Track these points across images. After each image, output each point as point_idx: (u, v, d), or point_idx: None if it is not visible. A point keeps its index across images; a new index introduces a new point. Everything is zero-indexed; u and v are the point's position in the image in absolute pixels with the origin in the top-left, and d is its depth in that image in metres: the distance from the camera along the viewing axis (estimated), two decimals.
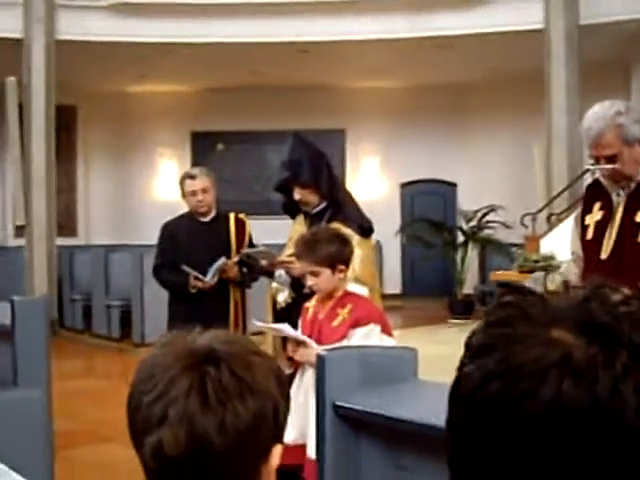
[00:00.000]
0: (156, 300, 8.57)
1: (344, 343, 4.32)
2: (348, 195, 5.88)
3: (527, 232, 13.41)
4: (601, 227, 4.08)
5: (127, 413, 1.35)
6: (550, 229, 12.10)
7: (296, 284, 5.27)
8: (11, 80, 13.75)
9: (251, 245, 6.41)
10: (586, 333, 0.88)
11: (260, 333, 5.28)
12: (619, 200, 4.06)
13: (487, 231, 16.57)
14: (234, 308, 6.31)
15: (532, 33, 13.51)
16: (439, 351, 11.31)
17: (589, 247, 4.13)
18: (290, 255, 5.28)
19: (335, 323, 4.47)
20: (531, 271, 9.47)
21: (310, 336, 4.53)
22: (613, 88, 13.77)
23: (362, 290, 4.87)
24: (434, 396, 2.61)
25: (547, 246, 10.64)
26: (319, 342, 4.43)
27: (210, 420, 1.27)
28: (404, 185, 19.15)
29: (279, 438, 1.38)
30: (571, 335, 0.88)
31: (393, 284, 18.28)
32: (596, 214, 4.13)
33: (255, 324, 4.94)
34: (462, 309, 15.97)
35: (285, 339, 4.67)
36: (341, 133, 18.73)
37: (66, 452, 6.72)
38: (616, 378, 0.85)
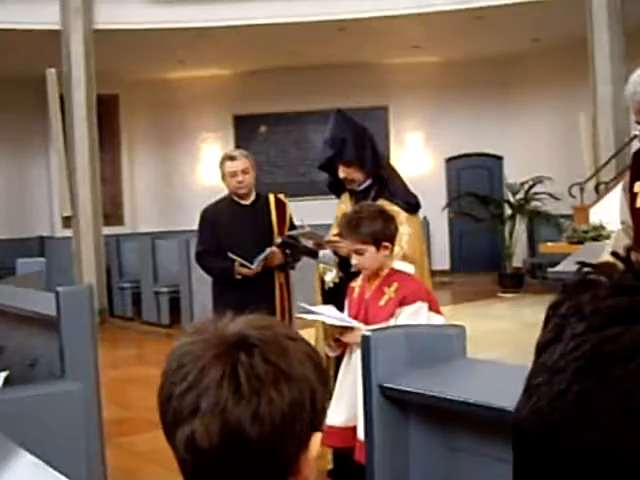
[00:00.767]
0: (204, 285, 8.56)
1: (391, 322, 4.27)
2: (394, 171, 5.81)
3: (575, 203, 13.24)
4: None
5: (158, 404, 1.30)
6: (598, 199, 11.95)
7: (344, 263, 5.22)
8: (51, 71, 13.81)
9: (292, 226, 6.36)
10: None
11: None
12: None
13: (535, 203, 16.42)
14: (279, 291, 6.27)
15: (573, 0, 13.29)
16: (491, 326, 11.26)
17: (639, 215, 4.02)
18: (336, 234, 5.23)
19: (382, 302, 4.43)
20: (580, 242, 9.35)
21: (357, 316, 4.49)
22: None
23: (409, 268, 4.81)
24: (483, 375, 2.54)
25: (596, 216, 10.51)
26: (366, 322, 4.38)
27: (244, 410, 1.22)
28: (449, 160, 19.01)
29: (318, 426, 1.32)
30: None
31: (441, 260, 18.17)
32: None
33: (299, 308, 4.89)
34: (512, 283, 15.85)
35: None
36: (384, 110, 18.63)
37: (119, 439, 6.78)
38: None
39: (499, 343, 9.42)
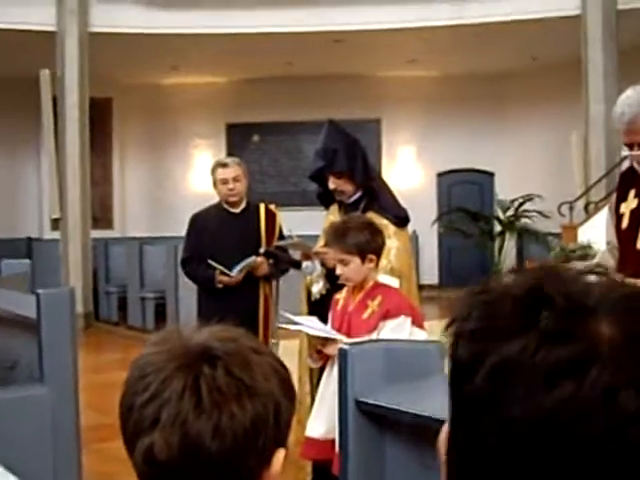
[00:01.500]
0: (190, 292, 8.53)
1: (374, 336, 4.24)
2: (384, 184, 5.80)
3: (564, 221, 13.24)
4: (637, 215, 3.96)
5: (119, 414, 1.27)
6: (588, 218, 11.94)
7: (331, 275, 5.20)
8: (45, 73, 13.77)
9: (281, 236, 6.34)
10: None
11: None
12: None
13: (524, 220, 16.43)
14: (264, 302, 6.24)
15: (569, 19, 13.33)
16: None
17: (624, 236, 4.01)
18: (324, 245, 5.21)
19: (365, 315, 4.41)
20: (568, 261, 9.34)
21: (340, 328, 4.46)
22: None
23: (393, 282, 4.79)
24: None
25: (585, 235, 10.50)
26: (349, 334, 4.36)
27: (204, 424, 1.19)
28: (441, 174, 19.00)
29: (282, 442, 1.29)
30: None
31: (430, 275, 18.14)
32: (631, 202, 4.00)
33: (283, 317, 4.87)
34: None
35: None
36: (376, 123, 18.62)
37: (98, 445, 6.71)
38: None
39: None
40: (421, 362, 2.58)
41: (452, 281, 18.46)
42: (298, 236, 6.01)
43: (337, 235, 4.47)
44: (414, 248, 15.97)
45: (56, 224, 14.48)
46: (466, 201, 18.00)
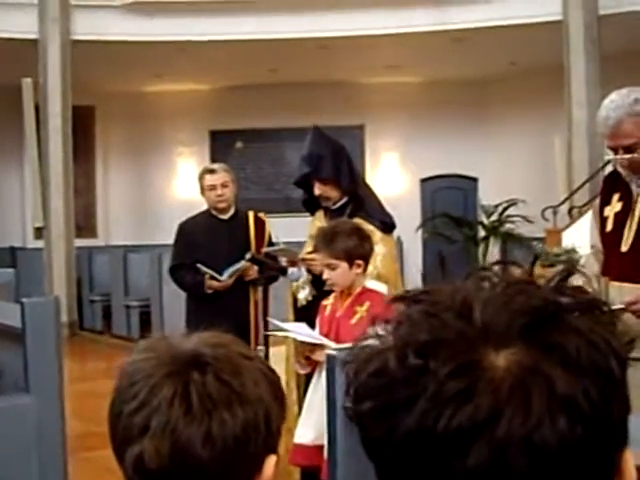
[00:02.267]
0: (175, 300, 8.53)
1: None
2: (369, 190, 5.80)
3: (548, 226, 13.27)
4: (621, 219, 3.96)
5: (108, 422, 1.26)
6: (571, 222, 11.97)
7: (317, 281, 5.19)
8: (27, 81, 13.72)
9: (270, 244, 6.33)
10: None
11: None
12: (639, 191, 3.95)
13: (508, 225, 16.46)
14: (254, 308, 6.22)
15: (550, 25, 13.36)
16: None
17: (609, 239, 4.02)
18: (310, 252, 5.20)
19: (353, 321, 4.41)
20: (552, 265, 9.36)
21: (328, 334, 4.46)
22: (634, 79, 13.53)
23: (381, 287, 4.79)
24: None
25: (569, 239, 10.53)
26: (337, 340, 4.36)
27: (195, 431, 1.18)
28: (424, 180, 19.00)
29: (273, 448, 1.28)
30: None
31: (415, 280, 18.13)
32: (615, 205, 4.01)
33: (272, 324, 4.86)
34: None
35: None
36: (360, 129, 18.61)
37: (84, 454, 6.68)
38: None
39: None
40: None
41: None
42: (284, 243, 6.01)
43: (326, 239, 4.48)
44: (399, 254, 15.99)
45: (39, 233, 14.41)
46: (450, 207, 18.01)
